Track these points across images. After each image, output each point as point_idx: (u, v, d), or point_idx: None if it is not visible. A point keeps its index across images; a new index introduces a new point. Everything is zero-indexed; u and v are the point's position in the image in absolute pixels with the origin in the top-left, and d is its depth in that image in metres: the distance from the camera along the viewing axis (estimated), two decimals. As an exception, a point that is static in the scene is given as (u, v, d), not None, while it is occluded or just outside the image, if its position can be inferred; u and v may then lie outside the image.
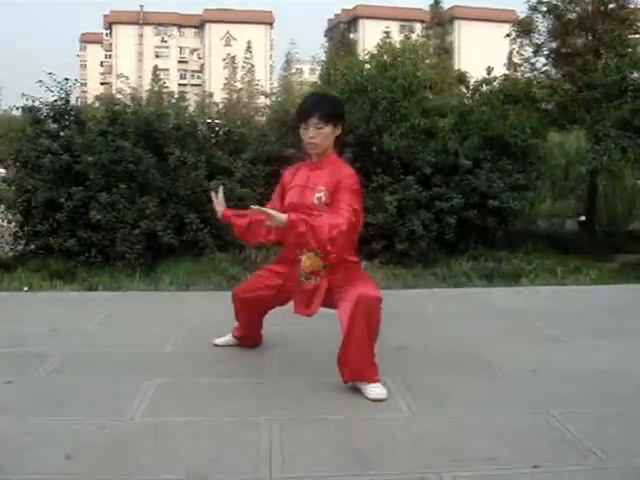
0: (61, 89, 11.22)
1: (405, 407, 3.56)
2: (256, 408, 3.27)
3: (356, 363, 3.68)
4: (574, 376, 4.03)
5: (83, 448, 2.99)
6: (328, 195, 3.80)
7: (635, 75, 18.17)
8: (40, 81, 11.30)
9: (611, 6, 21.49)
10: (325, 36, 76.46)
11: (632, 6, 21.80)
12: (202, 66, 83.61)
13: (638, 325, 5.34)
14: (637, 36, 21.49)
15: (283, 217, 3.55)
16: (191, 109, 13.13)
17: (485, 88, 18.70)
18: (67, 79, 11.39)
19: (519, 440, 3.13)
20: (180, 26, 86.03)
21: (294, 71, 66.28)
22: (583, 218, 21.35)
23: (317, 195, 3.84)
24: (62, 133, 10.95)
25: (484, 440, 3.13)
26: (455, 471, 2.83)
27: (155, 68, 72.55)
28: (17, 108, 11.67)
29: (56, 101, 11.19)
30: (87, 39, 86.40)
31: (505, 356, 4.44)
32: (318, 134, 3.87)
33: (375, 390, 3.67)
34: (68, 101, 11.27)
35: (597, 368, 4.16)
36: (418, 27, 66.65)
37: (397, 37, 37.49)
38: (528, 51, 23.15)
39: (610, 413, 3.44)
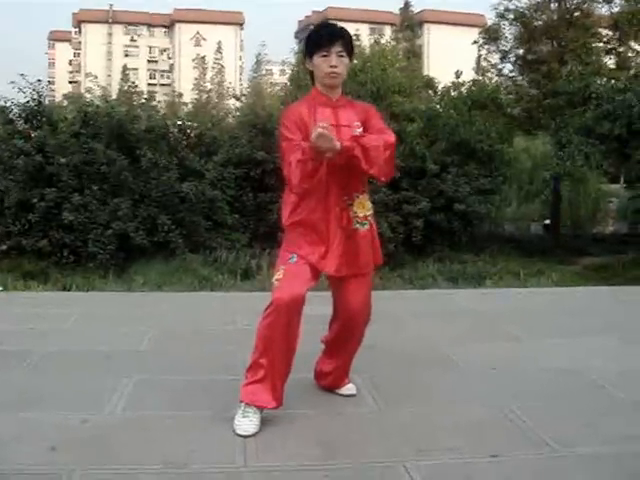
0: (33, 90, 11.29)
1: (372, 402, 3.74)
2: (232, 403, 3.42)
3: (337, 373, 3.81)
4: (532, 373, 4.24)
5: (67, 440, 3.13)
6: (362, 132, 3.48)
7: (598, 82, 18.65)
8: (13, 82, 11.38)
9: (576, 14, 22.03)
10: (296, 38, 76.52)
11: (597, 14, 22.38)
12: (171, 66, 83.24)
13: (595, 325, 5.57)
14: (601, 45, 22.04)
15: (338, 143, 3.17)
16: (161, 110, 13.24)
17: (453, 93, 19.08)
18: (40, 80, 11.49)
19: (479, 432, 3.33)
20: (150, 25, 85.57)
21: (264, 72, 66.29)
22: (548, 222, 21.80)
23: (357, 132, 3.45)
24: (34, 134, 11.03)
25: (446, 432, 3.32)
26: (419, 460, 3.01)
27: (124, 67, 72.25)
28: None
29: (28, 102, 11.26)
30: (56, 37, 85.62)
31: (468, 354, 4.64)
32: (340, 63, 3.43)
33: (345, 386, 3.83)
34: (41, 102, 11.35)
35: (553, 366, 4.37)
36: (388, 30, 67.03)
37: (367, 40, 37.71)
38: (495, 57, 23.67)
39: (564, 407, 3.66)
